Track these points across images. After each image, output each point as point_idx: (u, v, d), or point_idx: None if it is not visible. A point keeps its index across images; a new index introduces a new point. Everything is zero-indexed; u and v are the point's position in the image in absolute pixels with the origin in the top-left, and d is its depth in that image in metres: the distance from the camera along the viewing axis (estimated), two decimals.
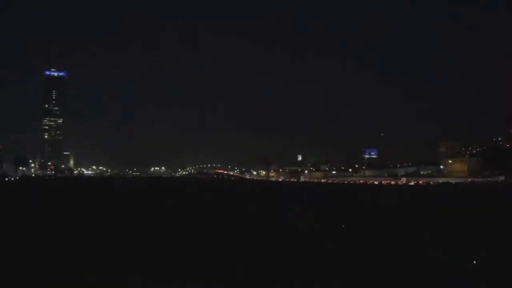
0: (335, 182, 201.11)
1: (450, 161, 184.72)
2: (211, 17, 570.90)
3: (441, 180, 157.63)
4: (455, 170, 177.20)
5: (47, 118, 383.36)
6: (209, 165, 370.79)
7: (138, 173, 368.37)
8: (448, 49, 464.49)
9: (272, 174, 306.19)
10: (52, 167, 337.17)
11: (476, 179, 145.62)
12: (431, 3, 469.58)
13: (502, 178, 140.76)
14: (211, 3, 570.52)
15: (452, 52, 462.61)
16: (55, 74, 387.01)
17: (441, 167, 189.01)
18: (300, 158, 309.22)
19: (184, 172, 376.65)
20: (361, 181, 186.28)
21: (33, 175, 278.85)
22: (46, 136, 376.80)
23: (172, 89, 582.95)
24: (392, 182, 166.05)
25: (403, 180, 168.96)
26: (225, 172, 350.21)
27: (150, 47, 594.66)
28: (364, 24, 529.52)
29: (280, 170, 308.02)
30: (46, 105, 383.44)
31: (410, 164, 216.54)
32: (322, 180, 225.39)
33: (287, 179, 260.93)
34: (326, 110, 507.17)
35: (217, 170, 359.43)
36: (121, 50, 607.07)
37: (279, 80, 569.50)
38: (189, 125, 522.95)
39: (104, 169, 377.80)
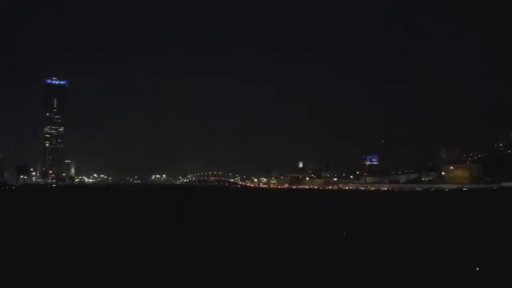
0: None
1: (451, 167, 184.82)
2: (212, 23, 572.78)
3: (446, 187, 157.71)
4: (456, 176, 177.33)
5: (48, 127, 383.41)
6: (209, 172, 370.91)
7: (139, 181, 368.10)
8: (449, 53, 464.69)
9: (273, 181, 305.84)
10: (53, 175, 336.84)
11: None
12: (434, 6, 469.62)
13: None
14: (215, 11, 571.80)
15: (453, 56, 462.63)
16: (56, 82, 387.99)
17: (443, 173, 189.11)
18: (301, 165, 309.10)
19: (185, 180, 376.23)
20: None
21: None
22: (47, 145, 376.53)
23: (173, 95, 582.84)
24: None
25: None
26: (227, 179, 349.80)
27: (152, 54, 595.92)
28: (364, 28, 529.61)
29: (281, 177, 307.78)
30: (47, 114, 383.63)
31: (411, 170, 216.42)
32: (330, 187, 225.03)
33: (294, 187, 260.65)
34: (327, 116, 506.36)
35: (218, 178, 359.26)
36: (122, 58, 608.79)
37: (279, 85, 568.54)
38: (190, 132, 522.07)
39: (105, 177, 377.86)
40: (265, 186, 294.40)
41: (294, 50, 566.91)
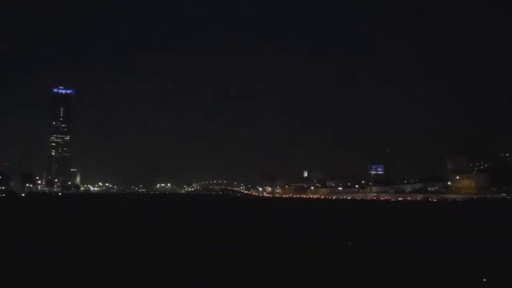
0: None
1: (457, 177, 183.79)
2: (215, 34, 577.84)
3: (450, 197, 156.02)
4: (462, 186, 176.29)
5: (54, 135, 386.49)
6: (214, 181, 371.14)
7: (144, 190, 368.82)
8: (455, 63, 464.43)
9: (278, 191, 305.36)
10: (59, 183, 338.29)
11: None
12: (437, 14, 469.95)
13: None
14: (219, 26, 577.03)
15: (459, 67, 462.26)
16: (63, 91, 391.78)
17: (449, 183, 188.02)
18: (306, 174, 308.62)
19: (189, 189, 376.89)
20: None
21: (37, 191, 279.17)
22: (53, 153, 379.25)
23: (178, 105, 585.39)
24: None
25: None
26: (232, 188, 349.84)
27: (156, 66, 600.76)
28: (367, 36, 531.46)
29: (286, 186, 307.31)
30: (54, 122, 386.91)
31: (416, 180, 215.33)
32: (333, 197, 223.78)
33: (298, 196, 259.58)
34: (332, 125, 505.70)
35: (222, 186, 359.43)
36: (128, 68, 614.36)
37: (283, 94, 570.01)
38: (195, 141, 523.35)
39: (110, 185, 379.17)
40: (268, 195, 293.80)
41: (299, 60, 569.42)
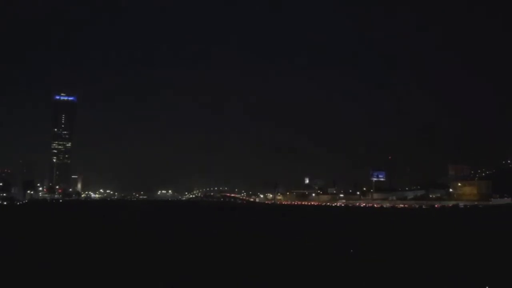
0: None
1: (459, 184, 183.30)
2: (218, 41, 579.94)
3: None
4: (464, 193, 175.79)
5: (56, 142, 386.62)
6: (215, 188, 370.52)
7: (145, 197, 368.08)
8: (458, 69, 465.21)
9: (279, 197, 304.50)
10: (60, 190, 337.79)
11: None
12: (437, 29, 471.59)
13: None
14: (222, 32, 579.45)
15: (461, 73, 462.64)
16: (65, 98, 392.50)
17: (450, 190, 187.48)
18: (307, 181, 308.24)
19: (191, 196, 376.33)
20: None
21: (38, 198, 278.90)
22: (54, 160, 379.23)
23: (179, 111, 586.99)
24: None
25: None
26: (233, 195, 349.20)
27: (158, 73, 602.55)
28: (374, 43, 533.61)
29: (288, 193, 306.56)
30: (55, 129, 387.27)
31: (418, 187, 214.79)
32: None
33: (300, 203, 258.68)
34: (333, 132, 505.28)
35: (223, 193, 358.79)
36: (130, 75, 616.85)
37: (284, 100, 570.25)
38: (196, 148, 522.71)
39: (112, 192, 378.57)
40: (269, 202, 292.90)
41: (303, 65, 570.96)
